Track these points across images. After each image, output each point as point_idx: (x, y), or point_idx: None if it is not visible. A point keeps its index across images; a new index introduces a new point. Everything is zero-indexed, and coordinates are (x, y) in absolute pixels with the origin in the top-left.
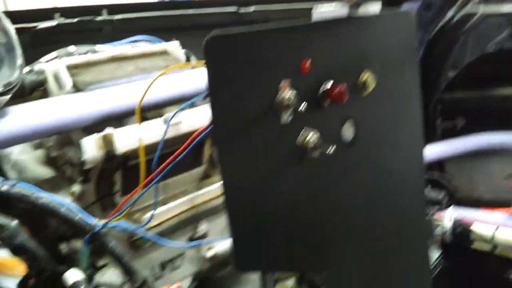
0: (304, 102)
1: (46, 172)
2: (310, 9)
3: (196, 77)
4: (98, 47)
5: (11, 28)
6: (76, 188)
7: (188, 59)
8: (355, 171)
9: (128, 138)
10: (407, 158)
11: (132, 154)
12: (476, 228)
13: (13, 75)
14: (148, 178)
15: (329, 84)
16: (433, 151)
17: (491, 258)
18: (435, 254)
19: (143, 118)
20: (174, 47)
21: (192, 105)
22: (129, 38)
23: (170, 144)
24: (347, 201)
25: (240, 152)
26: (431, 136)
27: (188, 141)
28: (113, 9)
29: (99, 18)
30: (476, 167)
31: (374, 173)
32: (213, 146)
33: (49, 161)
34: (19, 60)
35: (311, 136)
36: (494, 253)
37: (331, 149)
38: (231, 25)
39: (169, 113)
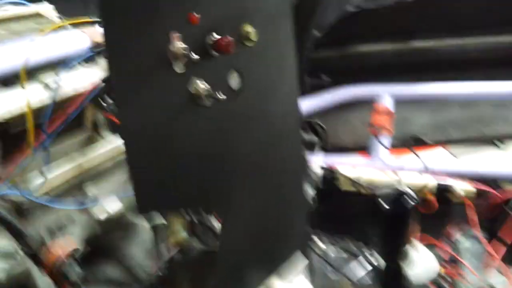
0: (195, 53)
1: None
2: None
3: (72, 39)
4: None
5: None
6: None
7: (58, 18)
8: (243, 116)
9: (8, 105)
10: (286, 103)
11: (11, 122)
12: (343, 171)
13: None
14: (37, 143)
15: (217, 36)
16: (302, 106)
17: (357, 196)
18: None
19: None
20: (47, 9)
21: (67, 65)
22: None
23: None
24: (237, 143)
25: (137, 99)
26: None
27: (78, 102)
28: None
29: None
30: (340, 118)
31: (259, 117)
32: (96, 109)
33: None
34: None
35: (202, 85)
36: (360, 192)
37: (221, 97)
38: None
39: (50, 77)
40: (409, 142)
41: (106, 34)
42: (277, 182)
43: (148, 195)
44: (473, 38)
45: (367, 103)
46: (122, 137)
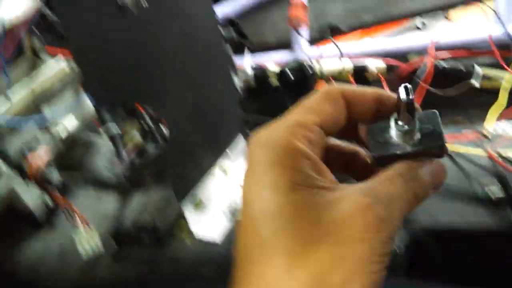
0: None
1: None
2: None
3: None
4: None
5: None
6: None
7: None
8: (163, 18)
9: None
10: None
11: None
12: (270, 67)
13: None
14: None
15: None
16: (222, 10)
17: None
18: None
19: None
20: None
21: None
22: None
23: None
24: (163, 43)
25: (76, 15)
26: None
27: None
28: None
29: None
30: (261, 17)
31: (180, 20)
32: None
33: None
34: None
35: None
36: None
37: (144, 5)
38: None
39: None
40: (327, 31)
41: None
42: (206, 75)
43: (99, 93)
44: None
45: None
46: (70, 47)
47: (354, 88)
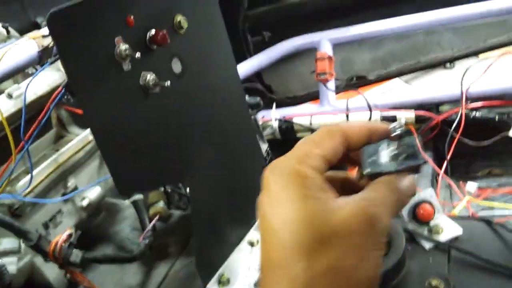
0: (138, 51)
1: None
2: None
3: (21, 47)
4: None
5: None
6: None
7: (7, 31)
8: (189, 94)
9: None
10: (226, 76)
11: None
12: (297, 120)
13: None
14: (19, 147)
15: (152, 32)
16: (250, 65)
17: None
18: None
19: None
20: None
21: (25, 74)
22: None
23: (17, 118)
24: (190, 119)
25: (97, 100)
26: (246, 52)
27: (48, 105)
28: None
29: None
30: (287, 70)
31: (204, 91)
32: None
33: None
34: None
35: (149, 76)
36: None
37: (167, 84)
38: None
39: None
40: (353, 81)
41: (59, 49)
42: (231, 144)
43: (125, 179)
44: None
45: (310, 51)
46: (92, 133)
47: (350, 125)
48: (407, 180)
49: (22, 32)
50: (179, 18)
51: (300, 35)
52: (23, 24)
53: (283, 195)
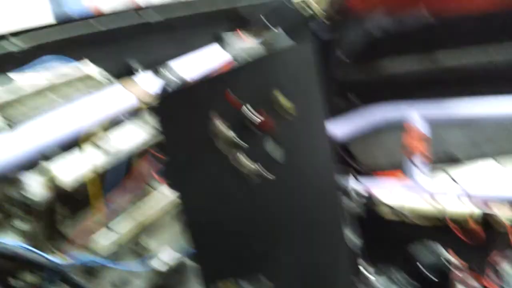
0: (239, 135)
1: None
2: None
3: (119, 98)
4: (13, 76)
5: None
6: (20, 224)
7: (102, 76)
8: (285, 185)
9: (68, 170)
10: (322, 165)
11: (72, 184)
12: (382, 199)
13: None
14: (102, 210)
15: (256, 115)
16: (332, 128)
17: (400, 224)
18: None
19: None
20: (89, 67)
21: (117, 124)
22: (38, 60)
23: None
24: (281, 210)
25: (191, 182)
26: (331, 114)
27: (139, 168)
28: (17, 32)
29: (5, 43)
30: (373, 139)
31: (299, 183)
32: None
33: None
34: None
35: (247, 163)
36: (403, 221)
37: (267, 174)
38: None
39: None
40: (444, 161)
41: (163, 128)
42: (321, 239)
43: (209, 268)
44: (499, 52)
45: (399, 123)
46: (182, 214)
47: None
48: None
49: (115, 74)
50: (283, 101)
51: (390, 103)
52: (117, 66)
53: None
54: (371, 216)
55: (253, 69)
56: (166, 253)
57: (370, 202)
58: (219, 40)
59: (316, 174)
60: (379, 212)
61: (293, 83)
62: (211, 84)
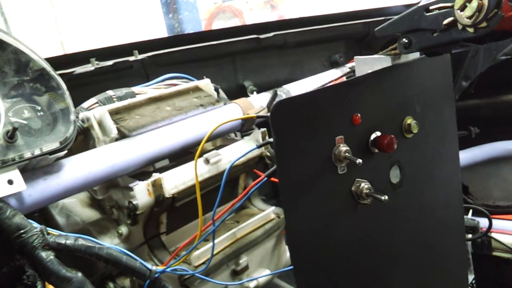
0: (357, 154)
1: (92, 214)
2: (325, 29)
3: (228, 112)
4: (135, 89)
5: (62, 83)
6: (124, 230)
7: (218, 93)
8: (403, 210)
9: (175, 181)
10: (448, 190)
11: (178, 196)
12: (496, 237)
13: (69, 131)
14: (207, 225)
15: (378, 134)
16: None
17: None
18: None
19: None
20: (205, 83)
21: (225, 140)
22: (161, 77)
23: (211, 182)
24: (395, 236)
25: (302, 200)
26: None
27: (246, 190)
28: (142, 47)
29: (131, 58)
30: (490, 173)
31: (420, 211)
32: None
33: (95, 204)
34: (72, 116)
35: (364, 185)
36: None
37: (384, 198)
38: (252, 51)
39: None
40: None
41: (276, 140)
42: (438, 272)
43: None
44: None
45: None
46: (289, 243)
47: None
48: None
49: (231, 93)
50: (409, 121)
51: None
52: (231, 85)
53: None
54: (486, 253)
55: (383, 84)
56: (260, 273)
57: (484, 241)
58: (335, 64)
59: (437, 198)
60: (490, 249)
61: (425, 99)
62: (334, 96)
